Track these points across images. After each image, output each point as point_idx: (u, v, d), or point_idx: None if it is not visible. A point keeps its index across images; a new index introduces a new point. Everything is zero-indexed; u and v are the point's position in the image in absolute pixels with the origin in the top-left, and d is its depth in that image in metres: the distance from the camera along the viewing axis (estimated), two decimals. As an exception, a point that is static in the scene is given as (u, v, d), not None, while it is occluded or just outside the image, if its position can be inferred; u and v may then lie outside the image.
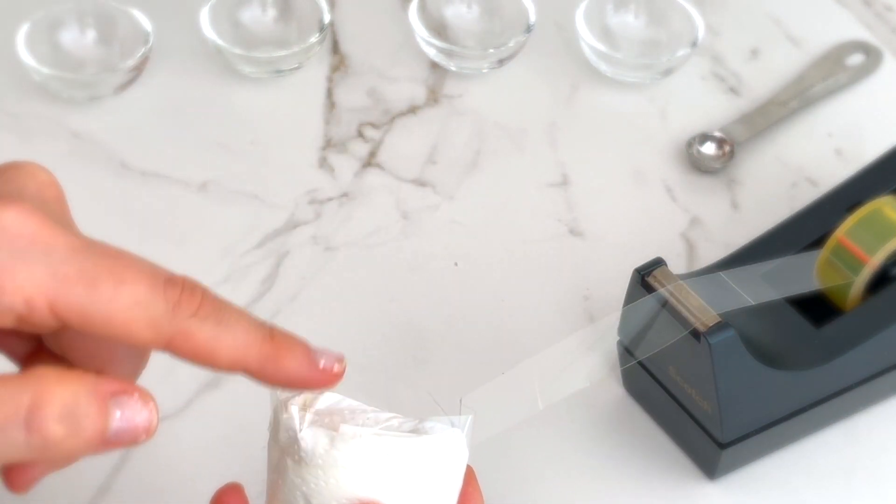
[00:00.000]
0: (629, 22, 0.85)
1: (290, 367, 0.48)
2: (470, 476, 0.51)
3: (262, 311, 0.70)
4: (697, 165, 0.79)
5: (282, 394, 0.50)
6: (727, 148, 0.80)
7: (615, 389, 0.68)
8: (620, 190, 0.78)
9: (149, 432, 0.46)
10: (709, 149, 0.80)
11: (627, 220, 0.76)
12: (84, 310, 0.45)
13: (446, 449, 0.49)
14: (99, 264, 0.46)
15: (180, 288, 0.47)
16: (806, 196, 0.77)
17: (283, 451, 0.50)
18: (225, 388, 0.67)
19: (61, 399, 0.44)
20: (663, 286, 0.61)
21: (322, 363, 0.49)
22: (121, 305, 0.45)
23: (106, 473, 0.63)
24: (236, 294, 0.71)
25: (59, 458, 0.46)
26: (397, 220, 0.76)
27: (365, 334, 0.70)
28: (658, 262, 0.62)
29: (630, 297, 0.63)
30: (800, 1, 0.89)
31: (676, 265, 0.74)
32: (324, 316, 0.71)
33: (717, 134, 0.80)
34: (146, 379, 0.67)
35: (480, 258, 0.74)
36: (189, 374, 0.67)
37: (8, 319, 0.45)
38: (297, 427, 0.49)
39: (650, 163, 0.79)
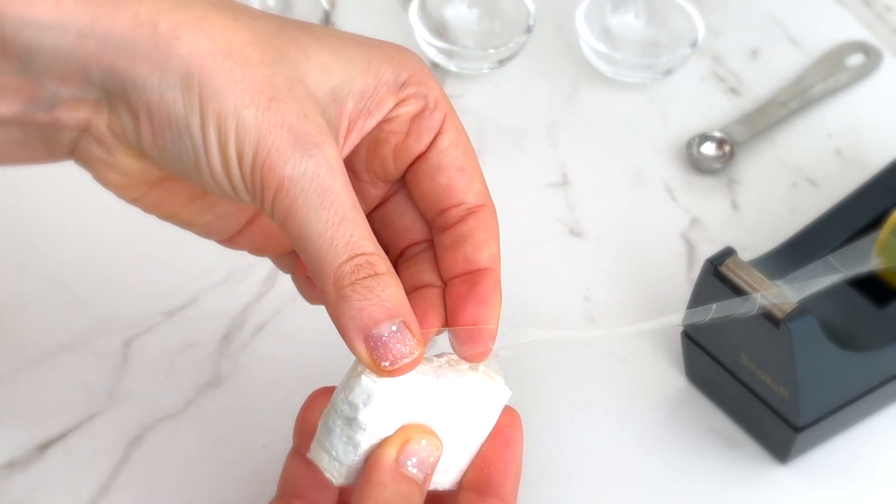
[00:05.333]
0: (629, 22, 0.85)
1: None
2: (515, 420, 0.55)
3: (263, 311, 0.70)
4: (697, 166, 0.79)
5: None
6: (727, 148, 0.80)
7: (677, 379, 0.68)
8: (620, 190, 0.78)
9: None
10: (709, 149, 0.80)
11: (627, 220, 0.76)
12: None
13: (492, 401, 0.54)
14: None
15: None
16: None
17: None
18: (225, 388, 0.67)
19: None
20: (736, 275, 0.61)
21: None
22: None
23: (106, 473, 0.63)
24: (237, 294, 0.71)
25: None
26: (397, 220, 0.76)
27: (365, 334, 0.70)
28: (729, 252, 0.62)
29: (701, 288, 0.63)
30: (800, 1, 0.89)
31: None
32: (325, 316, 0.71)
33: (717, 134, 0.80)
34: (148, 379, 0.68)
35: (480, 258, 0.74)
36: (189, 374, 0.67)
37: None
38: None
39: (650, 163, 0.79)
